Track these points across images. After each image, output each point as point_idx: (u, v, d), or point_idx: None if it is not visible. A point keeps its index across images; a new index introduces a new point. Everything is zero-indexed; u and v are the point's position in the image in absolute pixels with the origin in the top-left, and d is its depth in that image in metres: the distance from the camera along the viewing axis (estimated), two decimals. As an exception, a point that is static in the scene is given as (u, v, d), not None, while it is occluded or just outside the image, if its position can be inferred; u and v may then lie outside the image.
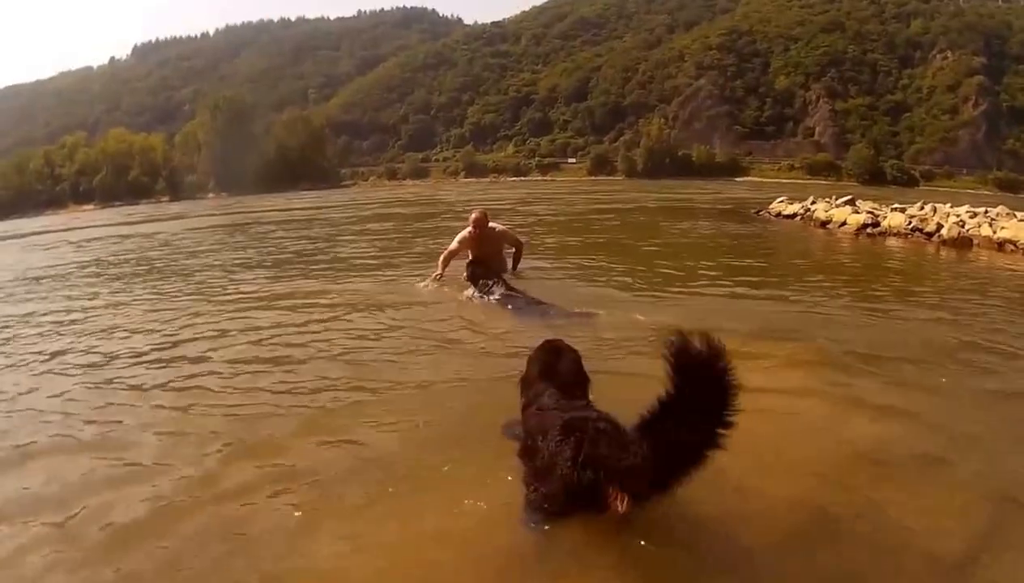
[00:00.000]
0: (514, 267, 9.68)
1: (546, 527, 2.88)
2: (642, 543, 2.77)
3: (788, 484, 3.33)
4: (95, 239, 23.95)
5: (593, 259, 12.34)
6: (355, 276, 10.83)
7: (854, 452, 3.75)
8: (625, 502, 2.68)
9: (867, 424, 4.15)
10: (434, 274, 9.28)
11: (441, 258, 9.44)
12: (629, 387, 3.83)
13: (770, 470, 3.27)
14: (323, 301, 8.63)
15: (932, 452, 3.81)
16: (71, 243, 23.29)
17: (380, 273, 10.92)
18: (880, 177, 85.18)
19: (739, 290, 9.06)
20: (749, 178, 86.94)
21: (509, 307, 7.76)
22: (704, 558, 2.80)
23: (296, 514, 3.32)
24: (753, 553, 2.84)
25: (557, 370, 3.66)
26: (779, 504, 3.17)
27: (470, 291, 8.46)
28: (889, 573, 2.78)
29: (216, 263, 13.96)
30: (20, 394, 5.48)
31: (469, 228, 9.31)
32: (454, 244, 9.43)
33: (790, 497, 3.24)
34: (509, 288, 8.23)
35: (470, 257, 9.15)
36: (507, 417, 3.81)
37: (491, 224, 9.54)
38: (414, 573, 2.85)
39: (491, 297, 8.12)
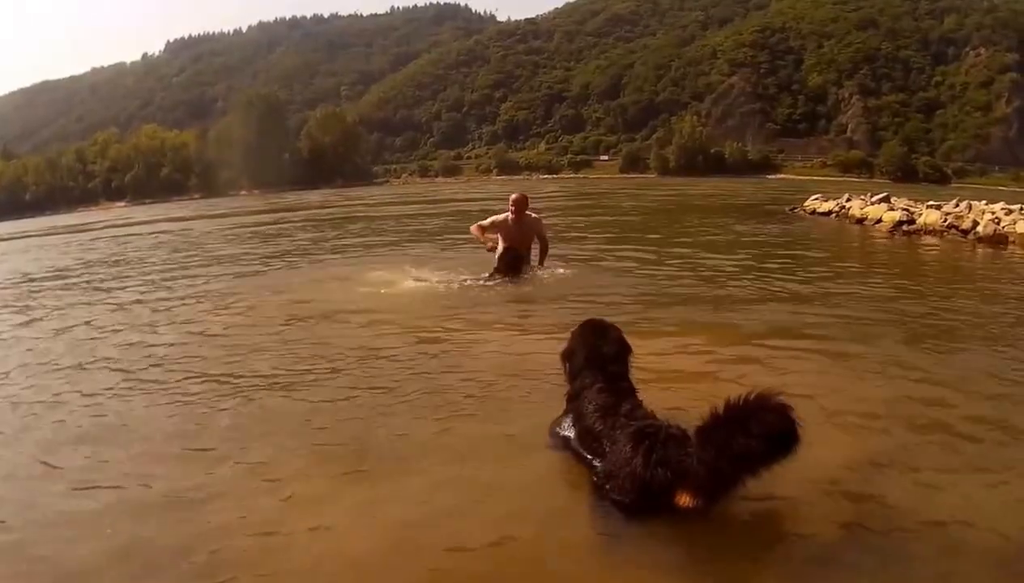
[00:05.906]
0: (541, 262, 9.37)
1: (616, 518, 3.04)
2: (704, 539, 2.91)
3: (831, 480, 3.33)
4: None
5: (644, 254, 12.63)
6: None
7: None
8: (689, 499, 2.91)
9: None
10: (488, 245, 9.10)
11: (475, 229, 9.31)
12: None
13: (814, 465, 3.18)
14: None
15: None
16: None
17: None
18: (912, 174, 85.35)
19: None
20: (782, 175, 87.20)
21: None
22: (766, 553, 2.90)
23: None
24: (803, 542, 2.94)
25: (602, 353, 3.75)
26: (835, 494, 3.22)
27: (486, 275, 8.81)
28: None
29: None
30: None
31: (508, 213, 9.01)
32: (487, 221, 9.23)
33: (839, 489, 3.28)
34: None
35: (500, 244, 9.02)
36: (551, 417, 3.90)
37: (528, 211, 9.24)
38: (489, 551, 2.95)
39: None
